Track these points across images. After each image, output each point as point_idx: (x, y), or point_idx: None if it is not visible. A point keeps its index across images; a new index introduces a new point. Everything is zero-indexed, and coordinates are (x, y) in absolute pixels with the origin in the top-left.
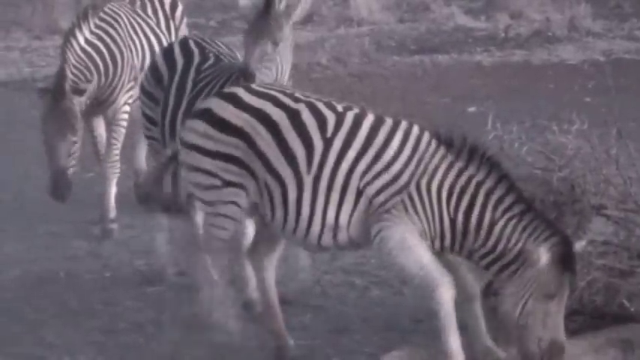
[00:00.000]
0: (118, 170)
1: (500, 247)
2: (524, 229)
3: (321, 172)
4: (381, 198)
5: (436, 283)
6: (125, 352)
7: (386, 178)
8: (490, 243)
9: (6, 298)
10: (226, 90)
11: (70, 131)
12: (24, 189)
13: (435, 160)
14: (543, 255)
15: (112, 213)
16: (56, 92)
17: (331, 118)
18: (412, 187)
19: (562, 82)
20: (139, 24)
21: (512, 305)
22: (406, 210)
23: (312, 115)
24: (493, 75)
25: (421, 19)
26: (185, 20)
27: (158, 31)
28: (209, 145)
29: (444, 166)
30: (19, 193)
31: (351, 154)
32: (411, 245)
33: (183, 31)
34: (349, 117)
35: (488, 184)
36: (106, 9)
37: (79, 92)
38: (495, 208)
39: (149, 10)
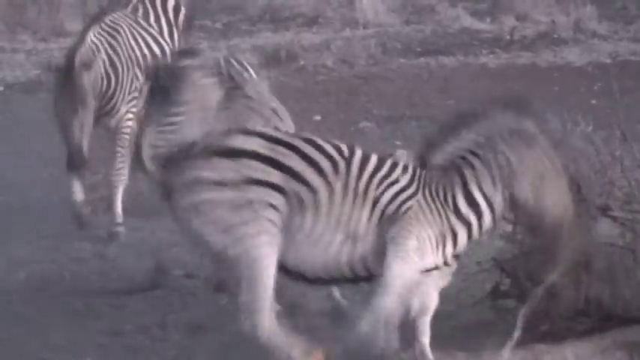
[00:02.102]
0: (123, 178)
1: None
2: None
3: (348, 179)
4: (394, 205)
5: (395, 306)
6: (131, 355)
7: (396, 188)
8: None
9: (11, 299)
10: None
11: (81, 105)
12: (29, 190)
13: (430, 175)
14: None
15: (119, 219)
16: (66, 65)
17: (344, 147)
18: (420, 196)
19: (567, 85)
20: (140, 34)
21: (530, 194)
22: (417, 216)
23: (326, 142)
24: (498, 77)
25: (427, 21)
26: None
27: (161, 39)
28: (225, 175)
29: (437, 176)
30: (25, 195)
31: (370, 167)
32: (414, 262)
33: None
34: (359, 151)
35: (482, 159)
36: (107, 20)
37: (88, 67)
38: (492, 176)
39: (151, 18)
